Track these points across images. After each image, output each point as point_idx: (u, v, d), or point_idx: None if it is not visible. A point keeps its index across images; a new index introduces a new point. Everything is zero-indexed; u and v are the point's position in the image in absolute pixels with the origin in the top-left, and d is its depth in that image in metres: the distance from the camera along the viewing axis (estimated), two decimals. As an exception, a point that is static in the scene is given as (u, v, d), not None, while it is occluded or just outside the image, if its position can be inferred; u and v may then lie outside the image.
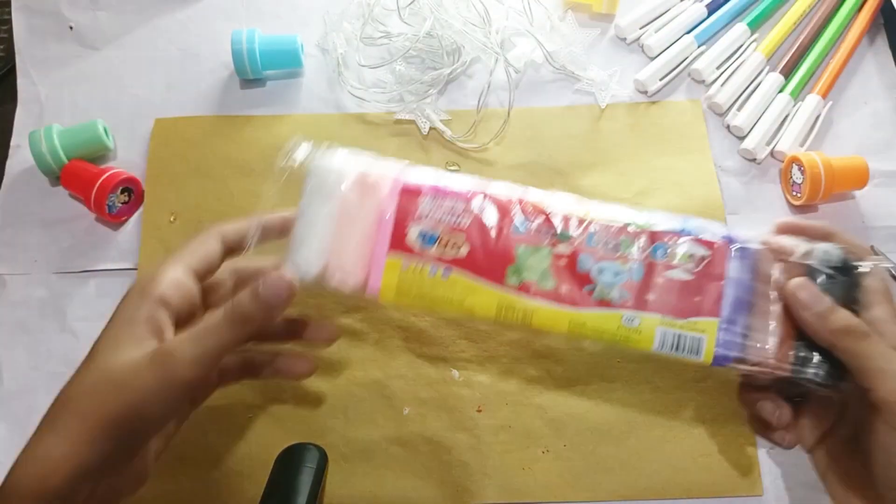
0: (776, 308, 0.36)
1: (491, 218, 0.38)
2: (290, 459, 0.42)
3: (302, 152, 0.39)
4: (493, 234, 0.38)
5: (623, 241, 0.37)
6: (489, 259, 0.38)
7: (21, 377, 0.46)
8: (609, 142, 0.51)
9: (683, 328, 0.36)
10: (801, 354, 0.35)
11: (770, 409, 0.37)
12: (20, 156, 0.52)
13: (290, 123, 0.52)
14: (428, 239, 0.38)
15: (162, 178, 0.51)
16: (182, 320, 0.36)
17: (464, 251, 0.38)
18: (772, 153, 0.51)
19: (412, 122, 0.52)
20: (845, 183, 0.48)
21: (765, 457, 0.43)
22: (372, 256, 0.38)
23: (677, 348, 0.37)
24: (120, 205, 0.49)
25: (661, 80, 0.53)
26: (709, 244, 0.37)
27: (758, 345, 0.36)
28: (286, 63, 0.53)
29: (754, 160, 0.50)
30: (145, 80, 0.55)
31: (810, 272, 0.36)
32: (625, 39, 0.55)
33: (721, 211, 0.48)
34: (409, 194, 0.39)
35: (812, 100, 0.51)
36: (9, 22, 0.56)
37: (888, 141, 0.51)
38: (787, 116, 0.51)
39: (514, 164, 0.51)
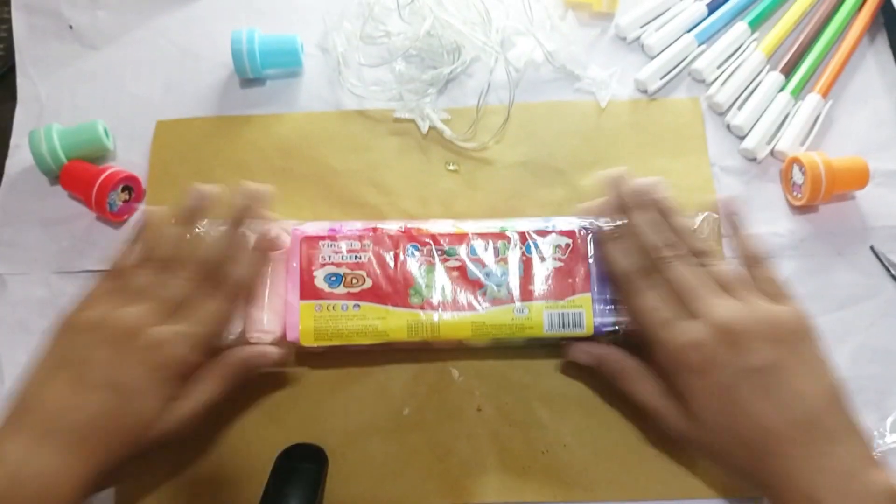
0: None
1: (386, 249, 0.44)
2: (290, 459, 0.42)
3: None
4: (390, 263, 0.43)
5: (501, 245, 0.44)
6: (392, 286, 0.43)
7: (21, 378, 0.46)
8: (609, 141, 0.51)
9: (565, 307, 0.42)
10: None
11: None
12: (20, 156, 0.52)
13: (290, 123, 0.52)
14: (334, 280, 0.43)
15: (163, 181, 0.51)
16: None
17: (368, 284, 0.43)
18: (772, 153, 0.51)
19: (412, 121, 0.52)
20: (846, 183, 0.48)
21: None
22: (286, 307, 0.43)
23: (563, 326, 0.42)
24: (121, 203, 0.49)
25: (661, 79, 0.53)
26: (569, 233, 0.44)
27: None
28: (286, 63, 0.53)
29: (754, 160, 0.50)
30: (145, 80, 0.55)
31: None
32: (625, 38, 0.55)
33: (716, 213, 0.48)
34: (310, 243, 0.44)
35: (812, 99, 0.51)
36: (9, 21, 0.56)
37: (888, 141, 0.51)
38: (787, 116, 0.51)
39: (513, 164, 0.51)
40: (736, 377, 0.35)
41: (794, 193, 0.49)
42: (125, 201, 0.50)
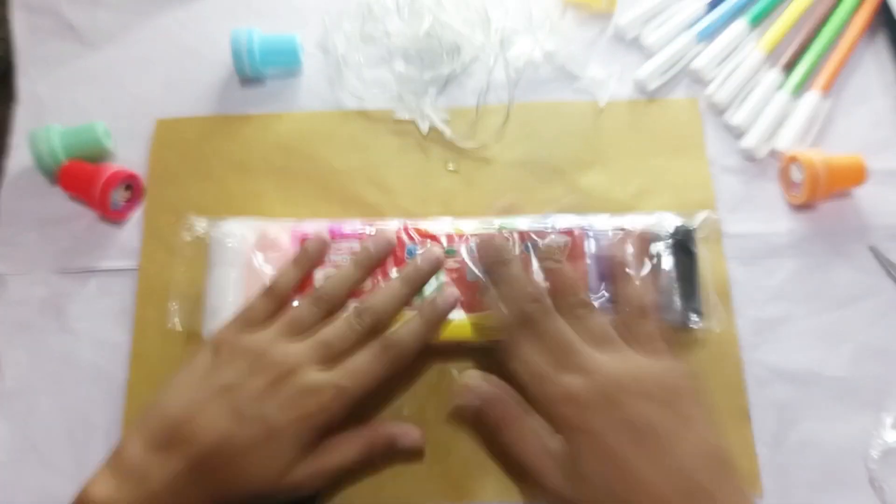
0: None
1: None
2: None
3: (201, 225, 0.44)
4: (390, 263, 0.43)
5: None
6: None
7: (21, 377, 0.46)
8: (608, 140, 0.51)
9: None
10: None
11: None
12: (20, 156, 0.52)
13: (290, 122, 0.52)
14: None
15: (163, 179, 0.51)
16: None
17: (367, 285, 0.42)
18: (771, 151, 0.51)
19: (412, 121, 0.52)
20: (844, 180, 0.48)
21: (765, 457, 0.43)
22: None
23: None
24: (123, 202, 0.49)
25: (660, 77, 0.53)
26: (568, 232, 0.44)
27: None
28: (286, 62, 0.53)
29: (754, 159, 0.50)
30: (145, 79, 0.55)
31: (655, 239, 0.43)
32: (624, 38, 0.55)
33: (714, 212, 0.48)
34: None
35: (811, 98, 0.51)
36: (9, 21, 0.56)
37: (888, 139, 0.51)
38: (786, 114, 0.51)
39: (512, 163, 0.51)
40: (615, 432, 0.34)
41: (793, 192, 0.49)
42: (128, 200, 0.50)
